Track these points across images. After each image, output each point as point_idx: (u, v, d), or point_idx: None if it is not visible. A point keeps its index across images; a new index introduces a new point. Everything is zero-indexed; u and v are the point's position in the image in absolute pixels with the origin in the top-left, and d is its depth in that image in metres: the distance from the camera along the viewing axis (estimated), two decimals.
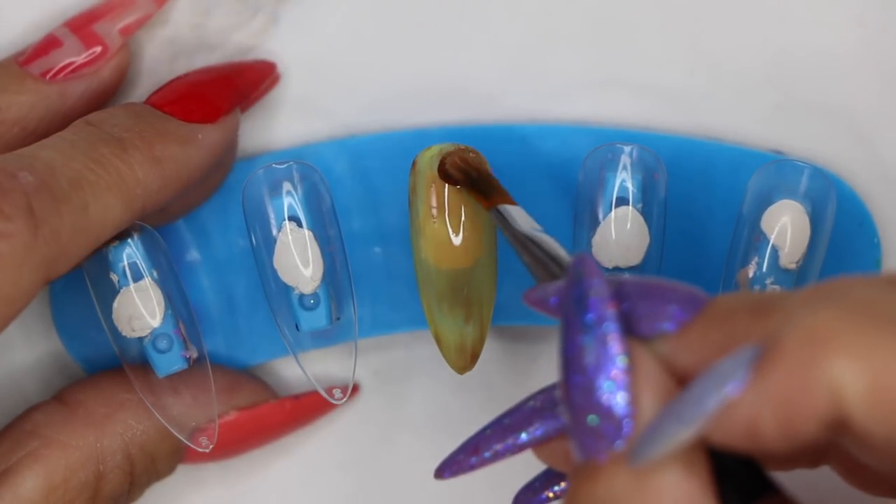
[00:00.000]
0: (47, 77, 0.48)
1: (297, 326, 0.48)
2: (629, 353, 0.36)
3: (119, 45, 0.49)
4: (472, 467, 0.41)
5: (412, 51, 0.51)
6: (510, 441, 0.40)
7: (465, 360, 0.48)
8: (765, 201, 0.47)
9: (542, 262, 0.42)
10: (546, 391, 0.40)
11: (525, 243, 0.43)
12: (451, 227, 0.47)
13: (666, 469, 0.35)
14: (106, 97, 0.49)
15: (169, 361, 0.48)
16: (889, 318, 0.33)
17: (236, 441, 0.51)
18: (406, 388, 0.53)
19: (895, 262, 0.51)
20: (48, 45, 0.48)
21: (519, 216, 0.44)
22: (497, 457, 0.40)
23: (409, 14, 0.51)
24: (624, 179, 0.47)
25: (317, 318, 0.48)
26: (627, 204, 0.47)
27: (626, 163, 0.48)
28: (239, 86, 0.49)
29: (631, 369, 0.36)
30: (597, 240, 0.47)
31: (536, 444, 0.40)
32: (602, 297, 0.37)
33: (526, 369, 0.53)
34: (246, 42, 0.51)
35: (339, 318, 0.48)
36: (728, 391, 0.34)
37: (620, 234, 0.47)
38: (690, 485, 0.35)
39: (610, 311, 0.37)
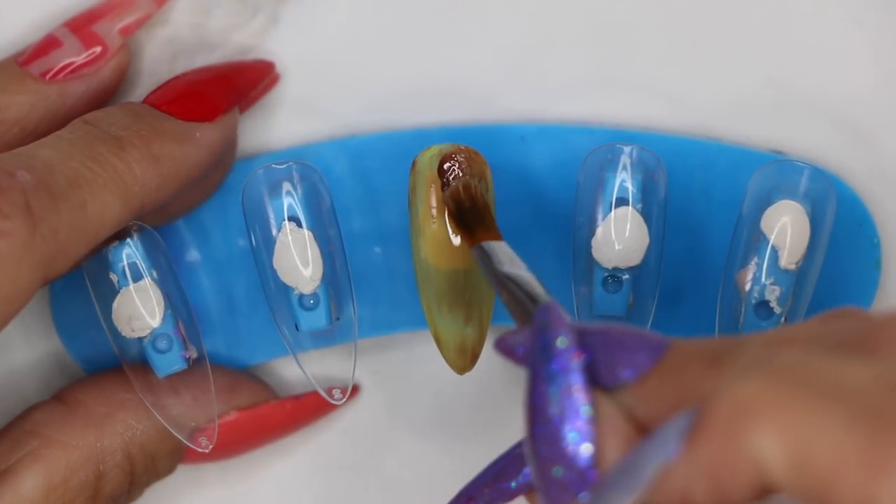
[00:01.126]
0: (47, 77, 0.48)
1: (296, 326, 0.48)
2: (594, 404, 0.37)
3: (119, 46, 0.49)
4: None
5: (412, 51, 0.51)
6: (501, 489, 0.40)
7: (465, 360, 0.48)
8: (765, 201, 0.47)
9: (520, 303, 0.42)
10: None
11: (504, 283, 0.43)
12: (451, 227, 0.47)
13: None
14: (106, 97, 0.49)
15: (169, 361, 0.48)
16: (813, 387, 0.33)
17: (236, 441, 0.51)
18: (406, 388, 0.53)
19: (895, 262, 0.51)
20: (48, 45, 0.49)
21: (502, 253, 0.44)
22: None
23: (408, 14, 0.51)
24: (624, 180, 0.47)
25: (316, 319, 0.48)
26: (627, 204, 0.47)
27: (625, 163, 0.47)
28: (237, 85, 0.49)
29: (595, 420, 0.36)
30: (596, 240, 0.47)
31: (526, 491, 0.40)
32: (567, 348, 0.37)
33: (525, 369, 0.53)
34: (246, 42, 0.51)
35: (338, 319, 0.48)
36: (662, 461, 0.35)
37: (620, 235, 0.47)
38: None
39: (575, 361, 0.37)
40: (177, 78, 0.49)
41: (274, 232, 0.47)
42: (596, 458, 0.36)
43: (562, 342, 0.37)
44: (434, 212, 0.47)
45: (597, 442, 0.36)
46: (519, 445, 0.41)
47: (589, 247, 0.47)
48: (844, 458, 0.32)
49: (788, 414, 0.33)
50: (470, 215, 0.46)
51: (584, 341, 0.38)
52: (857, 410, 0.32)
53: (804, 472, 0.33)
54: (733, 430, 0.33)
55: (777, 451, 0.33)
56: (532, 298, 0.42)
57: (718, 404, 0.34)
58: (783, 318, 0.47)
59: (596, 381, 0.37)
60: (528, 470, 0.39)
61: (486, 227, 0.46)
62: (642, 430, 0.37)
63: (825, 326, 0.37)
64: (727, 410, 0.34)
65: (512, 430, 0.53)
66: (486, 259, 0.44)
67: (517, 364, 0.39)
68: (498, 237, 0.45)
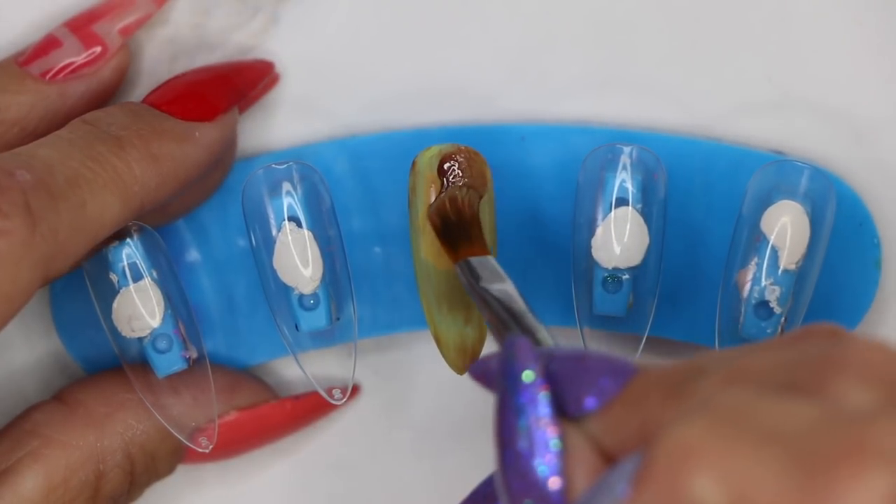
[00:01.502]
0: (47, 77, 0.48)
1: (296, 327, 0.48)
2: (562, 437, 0.37)
3: (119, 46, 0.49)
4: None
5: (412, 51, 0.51)
6: None
7: (465, 360, 0.48)
8: (765, 202, 0.47)
9: (500, 322, 0.42)
10: None
11: (485, 301, 0.43)
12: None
13: None
14: (106, 97, 0.49)
15: (169, 361, 0.48)
16: (754, 431, 0.34)
17: (236, 441, 0.51)
18: (406, 388, 0.53)
19: (895, 262, 0.51)
20: (48, 45, 0.48)
21: (485, 269, 0.44)
22: None
23: (408, 14, 0.51)
24: (624, 180, 0.47)
25: (316, 319, 0.48)
26: (627, 204, 0.47)
27: (625, 163, 0.47)
28: (237, 84, 0.49)
29: (563, 453, 0.37)
30: (596, 240, 0.47)
31: None
32: (534, 382, 0.37)
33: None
34: (246, 42, 0.51)
35: (338, 319, 0.48)
36: (613, 502, 0.35)
37: (620, 235, 0.47)
38: None
39: (542, 394, 0.37)
40: (176, 78, 0.49)
41: (274, 232, 0.47)
42: (565, 490, 0.37)
43: (528, 376, 0.38)
44: None
45: (565, 474, 0.37)
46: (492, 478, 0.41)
47: (589, 247, 0.47)
48: (780, 502, 0.33)
49: (728, 458, 0.33)
50: (455, 230, 0.46)
51: (550, 368, 0.38)
52: (793, 454, 0.33)
53: None
54: (675, 474, 0.34)
55: (717, 495, 0.33)
56: (513, 316, 0.42)
57: (663, 446, 0.34)
58: (783, 319, 0.47)
59: (563, 410, 0.38)
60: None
61: (471, 241, 0.46)
62: (610, 459, 0.37)
63: (789, 351, 0.37)
64: (670, 454, 0.34)
65: None
66: (468, 276, 0.44)
67: (489, 391, 0.39)
68: (484, 251, 0.45)
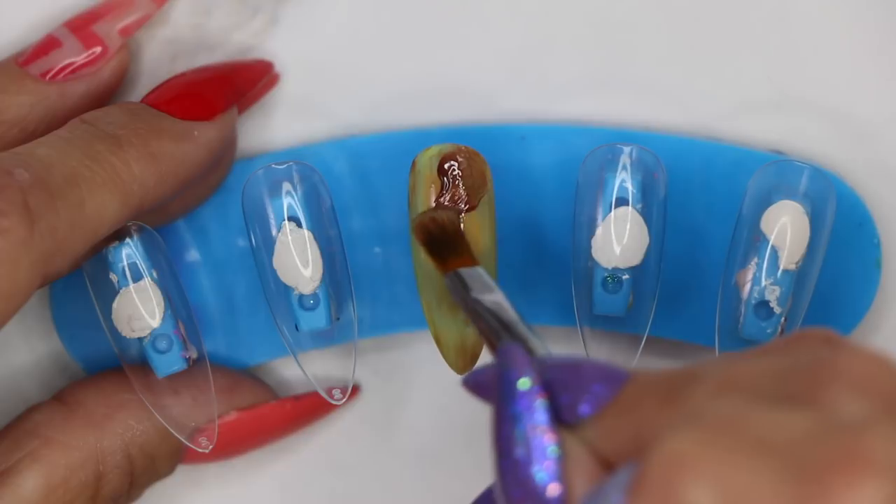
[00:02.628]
0: (47, 77, 0.48)
1: (296, 327, 0.48)
2: (559, 443, 0.37)
3: (119, 46, 0.49)
4: None
5: (412, 51, 0.51)
6: None
7: (465, 360, 0.48)
8: (764, 202, 0.47)
9: (492, 332, 0.42)
10: None
11: (475, 312, 0.43)
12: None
13: None
14: (106, 97, 0.49)
15: (169, 362, 0.48)
16: (747, 441, 0.34)
17: (236, 441, 0.51)
18: (406, 388, 0.53)
19: (895, 262, 0.51)
20: (48, 45, 0.48)
21: (474, 279, 0.44)
22: None
23: (408, 14, 0.51)
24: (623, 180, 0.47)
25: (316, 319, 0.48)
26: (627, 204, 0.47)
27: (625, 163, 0.47)
28: (235, 84, 0.49)
29: (562, 459, 0.37)
30: (596, 240, 0.47)
31: None
32: (530, 389, 0.38)
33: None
34: (246, 42, 0.51)
35: (338, 319, 0.48)
36: None
37: (620, 235, 0.47)
38: None
39: (538, 401, 0.37)
40: (175, 77, 0.49)
41: (274, 232, 0.47)
42: (564, 496, 0.37)
43: (523, 384, 0.38)
44: None
45: (564, 480, 0.37)
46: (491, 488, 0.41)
47: (589, 247, 0.47)
48: None
49: (722, 468, 0.33)
50: (441, 244, 0.46)
51: (544, 376, 0.38)
52: (787, 463, 0.33)
53: None
54: (669, 485, 0.34)
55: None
56: (505, 326, 0.42)
57: (657, 456, 0.34)
58: (783, 319, 0.47)
59: (558, 417, 0.38)
60: None
61: (459, 253, 0.46)
62: (607, 465, 0.37)
63: (783, 358, 0.37)
64: (663, 464, 0.34)
65: None
66: (458, 288, 0.44)
67: (484, 402, 0.39)
68: (473, 262, 0.45)
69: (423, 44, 0.51)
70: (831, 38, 0.50)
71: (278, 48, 0.51)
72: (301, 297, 0.48)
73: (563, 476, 0.37)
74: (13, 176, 0.42)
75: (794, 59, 0.51)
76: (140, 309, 0.47)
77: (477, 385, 0.40)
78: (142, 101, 0.48)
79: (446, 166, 0.47)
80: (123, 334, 0.47)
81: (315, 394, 0.51)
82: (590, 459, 0.37)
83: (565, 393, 0.38)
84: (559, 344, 0.53)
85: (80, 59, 0.48)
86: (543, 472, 0.37)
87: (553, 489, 0.37)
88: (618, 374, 0.38)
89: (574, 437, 0.37)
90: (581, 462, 0.37)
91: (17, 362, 0.53)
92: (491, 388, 0.39)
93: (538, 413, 0.37)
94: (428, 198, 0.47)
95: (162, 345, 0.48)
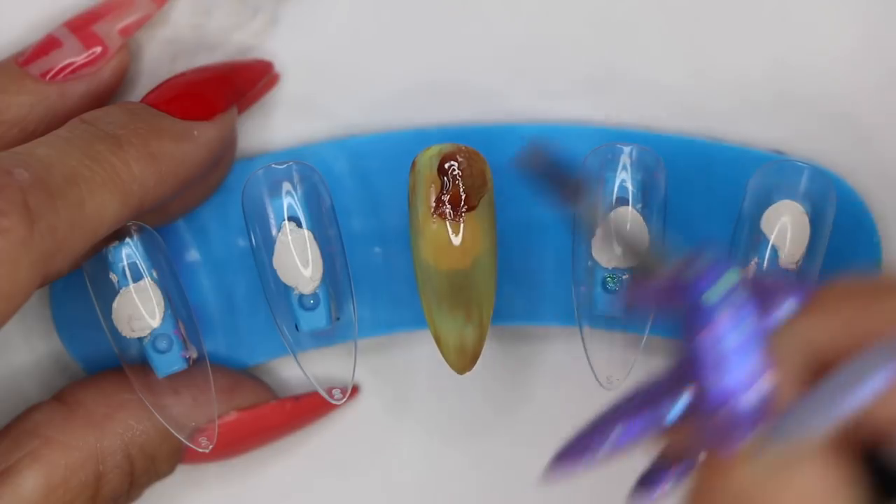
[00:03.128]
0: (47, 77, 0.48)
1: (296, 326, 0.48)
2: (766, 337, 0.36)
3: (119, 46, 0.49)
4: (594, 457, 0.39)
5: (412, 51, 0.51)
6: (642, 425, 0.38)
7: (465, 360, 0.48)
8: (765, 201, 0.47)
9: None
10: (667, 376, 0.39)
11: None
12: (451, 227, 0.47)
13: (803, 463, 0.35)
14: (106, 98, 0.49)
15: (169, 362, 0.48)
16: None
17: (236, 441, 0.51)
18: (406, 388, 0.53)
19: (895, 262, 0.51)
20: (48, 45, 0.49)
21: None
22: (631, 440, 0.38)
23: (409, 14, 0.51)
24: (624, 179, 0.47)
25: (316, 319, 0.48)
26: (627, 204, 0.47)
27: (626, 163, 0.48)
28: (235, 84, 0.49)
29: (770, 359, 0.35)
30: (596, 240, 0.47)
31: (675, 428, 0.38)
32: (737, 284, 0.36)
33: (525, 369, 0.53)
34: (246, 42, 0.51)
35: (338, 319, 0.48)
36: (875, 385, 0.34)
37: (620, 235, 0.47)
38: (826, 481, 0.35)
39: (744, 299, 0.36)
40: (175, 77, 0.49)
41: (274, 232, 0.47)
42: (771, 396, 0.35)
43: (730, 278, 0.36)
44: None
45: (772, 380, 0.35)
46: (652, 384, 0.39)
47: (589, 247, 0.47)
48: None
49: None
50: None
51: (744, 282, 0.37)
52: None
53: None
54: None
55: None
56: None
57: None
58: None
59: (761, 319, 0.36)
60: (680, 404, 0.38)
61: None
62: (817, 368, 0.36)
63: None
64: None
65: (512, 429, 0.53)
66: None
67: (670, 305, 0.37)
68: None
69: (423, 44, 0.51)
70: (831, 37, 0.50)
71: (278, 48, 0.51)
72: (301, 297, 0.48)
73: (770, 376, 0.35)
74: (13, 176, 0.42)
75: (794, 59, 0.51)
76: (140, 309, 0.47)
77: (665, 288, 0.38)
78: (142, 100, 0.48)
79: (446, 166, 0.47)
80: (123, 334, 0.47)
81: (315, 394, 0.51)
82: (801, 362, 0.36)
83: (761, 298, 0.37)
84: (559, 344, 0.53)
85: (81, 59, 0.48)
86: (750, 370, 0.35)
87: (759, 388, 0.35)
88: (804, 285, 0.37)
89: (784, 337, 0.36)
90: (791, 363, 0.36)
91: (17, 362, 0.53)
92: (684, 287, 0.37)
93: (746, 307, 0.36)
94: (428, 198, 0.47)
95: (162, 345, 0.48)
